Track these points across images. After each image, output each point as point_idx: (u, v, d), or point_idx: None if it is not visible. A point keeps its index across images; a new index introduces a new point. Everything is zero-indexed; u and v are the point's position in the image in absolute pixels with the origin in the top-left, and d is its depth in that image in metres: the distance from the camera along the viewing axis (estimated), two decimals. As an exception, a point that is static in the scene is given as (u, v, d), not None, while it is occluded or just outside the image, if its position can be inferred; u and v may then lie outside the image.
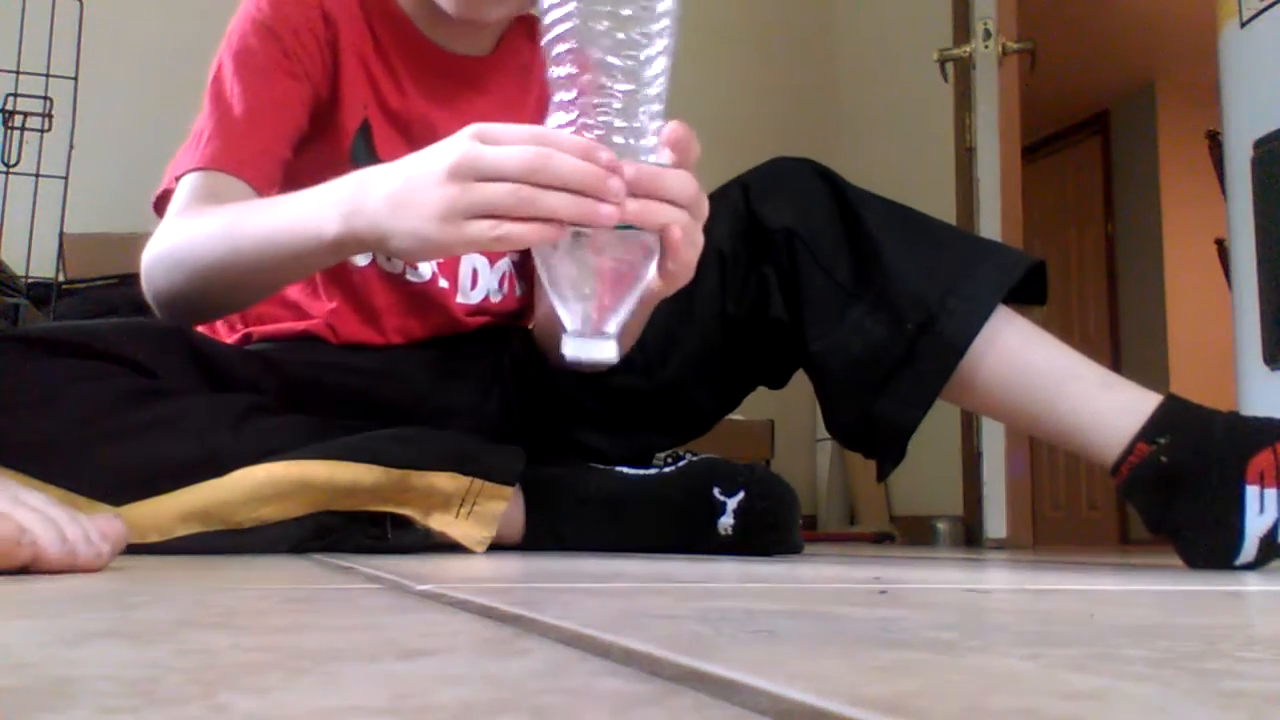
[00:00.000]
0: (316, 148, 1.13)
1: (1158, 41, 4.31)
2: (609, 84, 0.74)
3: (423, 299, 1.18)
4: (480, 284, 1.21)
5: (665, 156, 0.76)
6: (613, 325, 0.75)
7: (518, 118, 1.23)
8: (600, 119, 0.75)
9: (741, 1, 3.35)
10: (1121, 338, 4.71)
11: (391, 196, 0.82)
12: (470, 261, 1.20)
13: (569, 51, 0.75)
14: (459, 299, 1.20)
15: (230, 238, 0.97)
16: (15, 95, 2.13)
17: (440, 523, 0.96)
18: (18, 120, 2.14)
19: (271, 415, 0.98)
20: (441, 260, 1.17)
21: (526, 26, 1.22)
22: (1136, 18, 4.17)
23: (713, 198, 1.13)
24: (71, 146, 2.13)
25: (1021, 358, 1.02)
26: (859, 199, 1.06)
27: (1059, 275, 4.79)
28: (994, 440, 2.46)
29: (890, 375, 1.02)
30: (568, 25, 0.75)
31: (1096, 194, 4.88)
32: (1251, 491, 0.91)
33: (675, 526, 1.06)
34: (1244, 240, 1.82)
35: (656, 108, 0.76)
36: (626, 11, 0.73)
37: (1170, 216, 4.51)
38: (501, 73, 1.22)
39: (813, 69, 3.39)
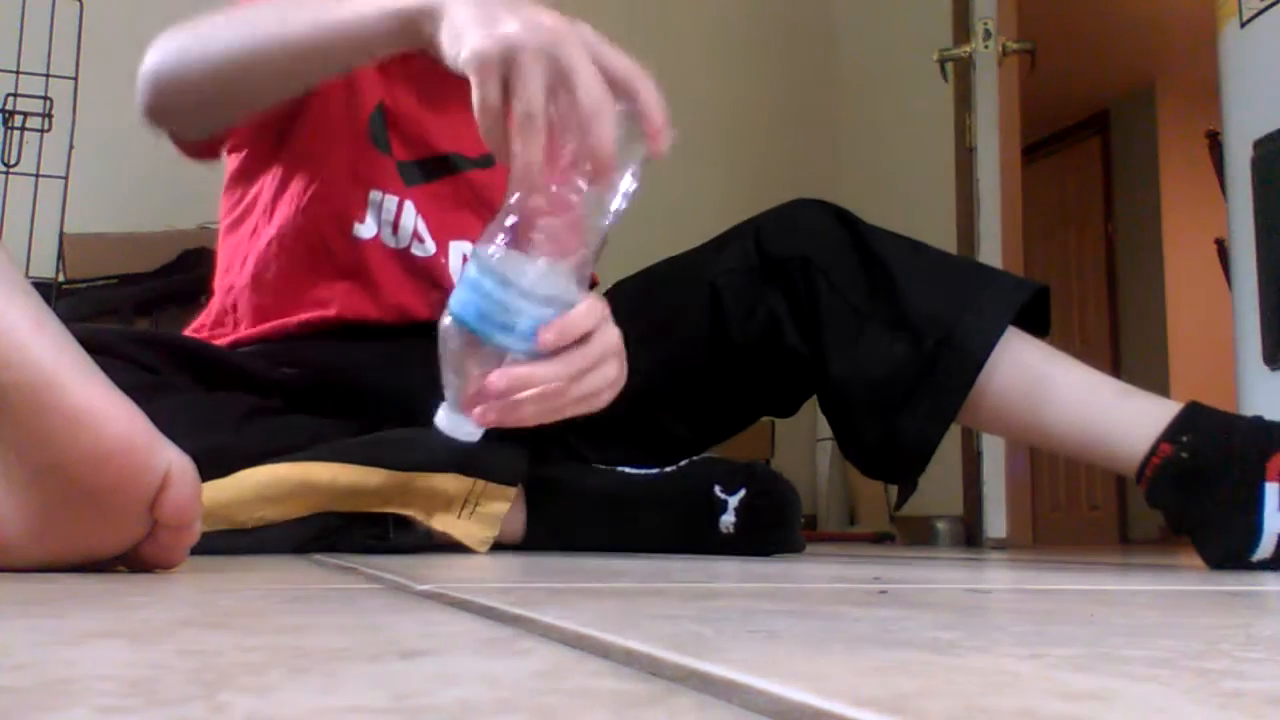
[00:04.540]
0: (337, 114, 1.14)
1: (1158, 41, 4.30)
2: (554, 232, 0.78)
3: (424, 274, 1.18)
4: None
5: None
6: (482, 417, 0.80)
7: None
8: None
9: (741, 2, 3.35)
10: (1121, 338, 4.71)
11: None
12: (460, 249, 1.22)
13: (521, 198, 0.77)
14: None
15: (279, 22, 0.94)
16: (15, 95, 2.14)
17: (442, 523, 0.96)
18: (18, 120, 2.14)
19: (274, 416, 0.98)
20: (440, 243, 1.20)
21: None
22: (1136, 18, 4.17)
23: (727, 236, 1.15)
24: (71, 146, 2.13)
25: (1038, 371, 1.03)
26: (872, 233, 1.09)
27: (1059, 275, 4.79)
28: (994, 440, 2.45)
29: (911, 392, 1.03)
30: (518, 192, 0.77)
31: (1096, 194, 4.88)
32: (1271, 488, 0.92)
33: (676, 525, 1.06)
34: (1244, 240, 1.82)
35: (586, 270, 0.80)
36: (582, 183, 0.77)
37: (1170, 216, 4.50)
38: None
39: (813, 69, 3.39)
